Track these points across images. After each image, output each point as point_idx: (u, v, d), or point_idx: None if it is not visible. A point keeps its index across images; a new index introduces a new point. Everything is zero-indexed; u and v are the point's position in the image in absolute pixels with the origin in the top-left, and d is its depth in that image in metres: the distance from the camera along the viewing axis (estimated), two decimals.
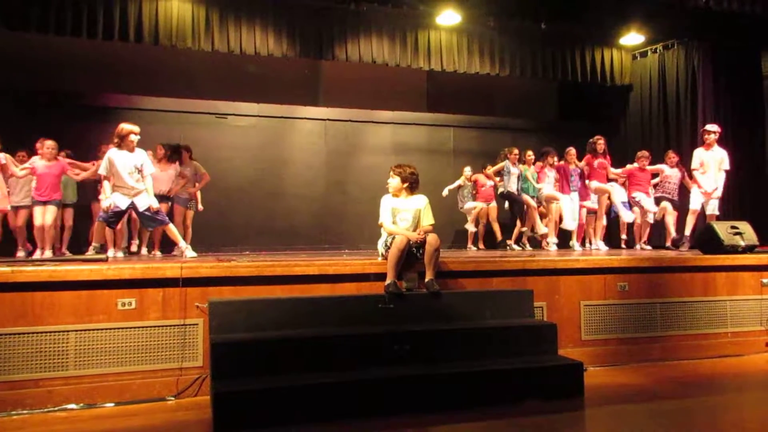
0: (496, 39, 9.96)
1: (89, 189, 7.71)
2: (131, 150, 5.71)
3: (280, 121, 10.22)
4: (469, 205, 9.33)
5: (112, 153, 5.68)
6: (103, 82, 9.39)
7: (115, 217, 5.76)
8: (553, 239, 8.47)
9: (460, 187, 9.43)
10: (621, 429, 3.67)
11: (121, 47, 8.65)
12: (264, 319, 4.18)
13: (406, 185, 4.86)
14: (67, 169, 7.01)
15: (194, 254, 5.89)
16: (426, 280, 4.53)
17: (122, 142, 5.67)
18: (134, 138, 5.69)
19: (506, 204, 8.90)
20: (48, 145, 6.77)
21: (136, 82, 9.47)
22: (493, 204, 9.24)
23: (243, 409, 3.50)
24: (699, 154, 7.59)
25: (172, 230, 6.00)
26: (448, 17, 9.18)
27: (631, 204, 8.53)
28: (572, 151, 8.54)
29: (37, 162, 6.80)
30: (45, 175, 6.77)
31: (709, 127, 7.71)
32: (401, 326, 4.33)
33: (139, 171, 5.74)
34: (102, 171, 5.72)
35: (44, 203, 6.75)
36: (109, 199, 5.65)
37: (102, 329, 4.12)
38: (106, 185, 5.74)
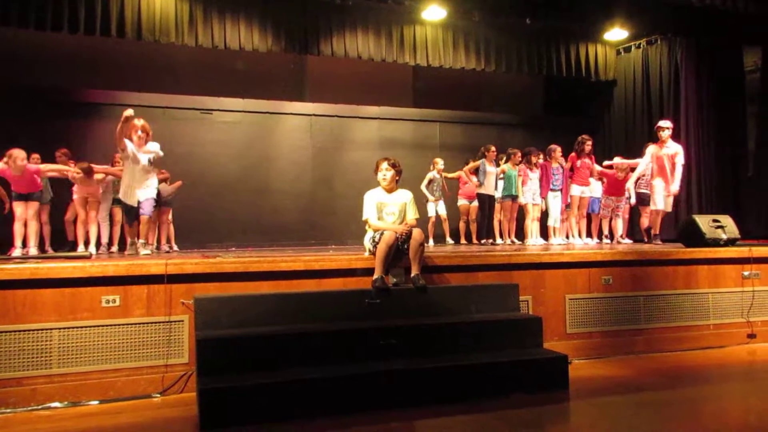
0: (481, 34, 9.99)
1: (64, 186, 7.63)
2: (140, 146, 5.82)
3: (265, 117, 10.18)
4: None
5: (129, 143, 5.78)
6: (84, 77, 9.30)
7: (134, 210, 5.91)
8: (536, 240, 8.54)
9: (430, 181, 9.18)
10: (605, 421, 3.70)
11: (103, 42, 8.56)
12: (250, 315, 4.17)
13: (397, 179, 4.89)
14: (40, 171, 6.81)
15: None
16: (412, 274, 4.54)
17: (129, 136, 5.79)
18: (136, 135, 5.78)
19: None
20: (19, 156, 6.42)
21: (119, 77, 9.38)
22: (475, 203, 9.17)
23: (229, 406, 3.49)
24: (651, 151, 7.53)
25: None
26: (434, 12, 9.20)
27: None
28: (558, 149, 8.58)
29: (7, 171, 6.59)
30: (18, 178, 6.60)
31: (662, 123, 7.60)
32: (388, 321, 4.34)
33: (150, 162, 5.90)
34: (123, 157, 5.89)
35: (25, 196, 6.63)
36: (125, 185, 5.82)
37: (86, 327, 4.09)
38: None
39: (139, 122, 5.80)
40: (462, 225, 9.28)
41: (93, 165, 7.16)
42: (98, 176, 7.14)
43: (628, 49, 10.82)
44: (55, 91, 8.95)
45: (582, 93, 11.68)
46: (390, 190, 4.89)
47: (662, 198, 7.52)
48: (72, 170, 6.91)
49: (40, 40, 8.55)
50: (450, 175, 9.43)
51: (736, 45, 9.79)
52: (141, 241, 5.93)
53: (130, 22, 8.04)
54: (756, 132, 9.73)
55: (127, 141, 5.72)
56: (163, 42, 8.35)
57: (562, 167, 8.58)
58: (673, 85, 9.86)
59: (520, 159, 8.70)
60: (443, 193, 9.26)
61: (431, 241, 9.08)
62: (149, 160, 5.86)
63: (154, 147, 5.92)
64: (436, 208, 9.23)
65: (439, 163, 9.26)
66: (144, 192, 5.88)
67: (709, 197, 9.38)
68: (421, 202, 8.52)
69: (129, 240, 6.04)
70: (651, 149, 7.60)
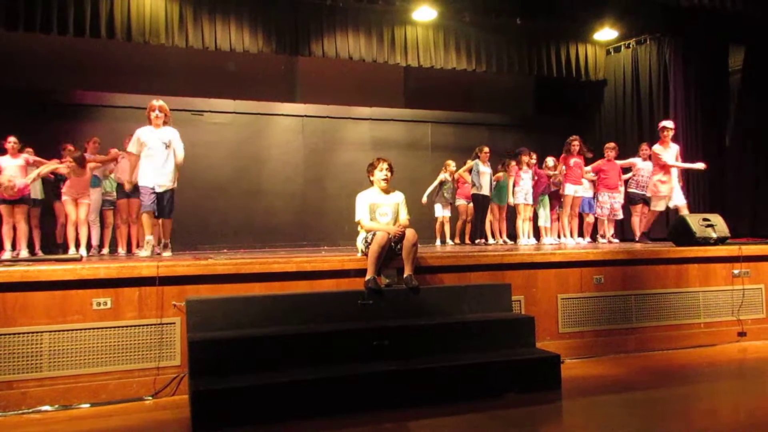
0: (472, 35, 10.02)
1: (50, 188, 7.58)
2: (157, 126, 5.61)
3: (257, 118, 10.15)
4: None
5: (140, 130, 5.60)
6: (73, 79, 9.23)
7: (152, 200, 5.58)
8: (528, 240, 8.56)
9: (441, 183, 9.04)
10: (597, 420, 3.72)
11: (93, 43, 8.50)
12: (242, 317, 4.16)
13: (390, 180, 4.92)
14: (30, 160, 6.85)
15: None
16: (404, 275, 4.54)
17: (148, 118, 5.61)
18: (153, 114, 5.59)
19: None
20: (10, 141, 6.69)
21: (108, 79, 9.32)
22: (471, 203, 9.13)
23: (221, 408, 3.48)
24: (660, 151, 7.48)
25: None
26: (424, 13, 9.20)
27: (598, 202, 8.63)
28: (549, 161, 8.68)
29: (1, 159, 6.70)
30: (10, 168, 6.61)
31: (667, 123, 7.57)
32: (380, 322, 4.34)
33: (167, 147, 5.61)
34: (130, 148, 5.64)
35: (13, 201, 6.59)
36: (140, 178, 5.55)
37: (77, 329, 4.06)
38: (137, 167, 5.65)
39: (157, 102, 5.66)
40: (459, 224, 9.27)
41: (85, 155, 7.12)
42: (90, 165, 7.08)
43: (617, 49, 10.88)
44: (44, 93, 8.88)
45: (573, 93, 11.74)
46: (386, 191, 4.91)
47: (662, 200, 7.53)
48: (64, 165, 6.85)
49: (29, 42, 8.48)
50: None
51: (723, 44, 9.87)
52: (148, 237, 5.70)
53: (119, 23, 7.99)
54: (736, 130, 9.80)
55: (140, 132, 5.55)
56: (154, 43, 8.31)
57: (554, 174, 8.64)
58: (662, 84, 9.94)
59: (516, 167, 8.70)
60: (453, 194, 9.11)
61: (438, 242, 9.05)
62: (162, 142, 5.58)
63: (173, 135, 5.70)
64: (443, 209, 9.07)
65: (451, 165, 9.06)
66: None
67: (697, 196, 9.44)
68: (418, 203, 8.56)
69: (150, 239, 5.61)
70: (659, 149, 7.48)
